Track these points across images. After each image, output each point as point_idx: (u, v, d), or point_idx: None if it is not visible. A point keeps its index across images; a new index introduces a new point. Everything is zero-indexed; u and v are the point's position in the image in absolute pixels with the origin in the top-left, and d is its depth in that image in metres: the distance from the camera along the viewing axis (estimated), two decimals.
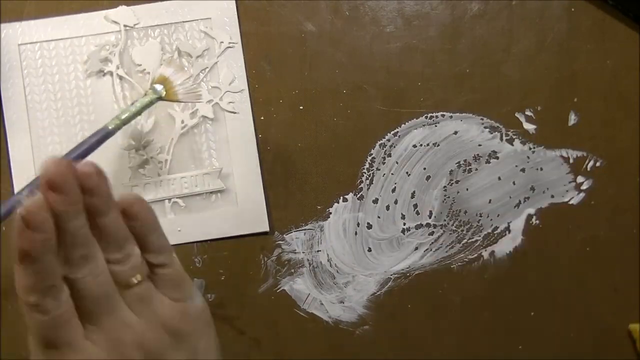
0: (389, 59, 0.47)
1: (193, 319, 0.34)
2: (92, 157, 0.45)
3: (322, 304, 0.46)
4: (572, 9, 0.48)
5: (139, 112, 0.42)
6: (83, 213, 0.29)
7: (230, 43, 0.47)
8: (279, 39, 0.47)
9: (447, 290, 0.46)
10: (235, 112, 0.46)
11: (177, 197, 0.45)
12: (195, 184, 0.46)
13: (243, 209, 0.46)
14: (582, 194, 0.47)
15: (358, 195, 0.46)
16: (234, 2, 0.47)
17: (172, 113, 0.46)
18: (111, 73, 0.46)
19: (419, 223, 0.47)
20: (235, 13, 0.47)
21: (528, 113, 0.47)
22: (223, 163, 0.46)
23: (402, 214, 0.47)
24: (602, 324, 0.47)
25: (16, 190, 0.45)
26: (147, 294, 0.32)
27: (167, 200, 0.46)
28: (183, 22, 0.47)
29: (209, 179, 0.46)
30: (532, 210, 0.47)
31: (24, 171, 0.45)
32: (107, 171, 0.44)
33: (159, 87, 0.43)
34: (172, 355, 0.32)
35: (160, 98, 0.43)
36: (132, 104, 0.42)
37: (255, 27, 0.47)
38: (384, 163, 0.47)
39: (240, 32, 0.47)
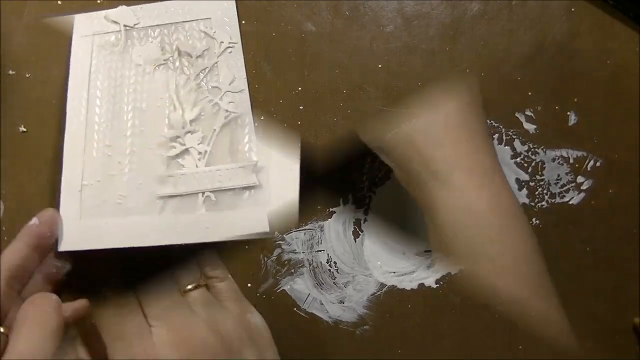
0: (389, 59, 0.47)
1: (253, 332, 0.37)
2: (132, 144, 0.45)
3: (322, 304, 0.46)
4: (572, 9, 0.48)
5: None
6: None
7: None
8: (279, 39, 0.47)
9: (447, 290, 0.46)
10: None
11: (210, 191, 0.43)
12: (229, 177, 0.43)
13: (275, 207, 0.43)
14: (582, 194, 0.47)
15: (358, 195, 0.46)
16: (234, 2, 0.47)
17: (219, 102, 0.44)
18: None
19: None
20: (235, 13, 0.47)
21: (528, 113, 0.47)
22: (261, 157, 0.44)
23: None
24: (602, 324, 0.47)
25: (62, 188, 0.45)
26: (206, 299, 0.36)
27: (200, 194, 0.43)
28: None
29: (244, 173, 0.43)
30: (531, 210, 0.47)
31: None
32: (145, 161, 0.43)
33: None
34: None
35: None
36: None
37: (255, 27, 0.47)
38: (384, 163, 0.47)
39: (240, 32, 0.47)
